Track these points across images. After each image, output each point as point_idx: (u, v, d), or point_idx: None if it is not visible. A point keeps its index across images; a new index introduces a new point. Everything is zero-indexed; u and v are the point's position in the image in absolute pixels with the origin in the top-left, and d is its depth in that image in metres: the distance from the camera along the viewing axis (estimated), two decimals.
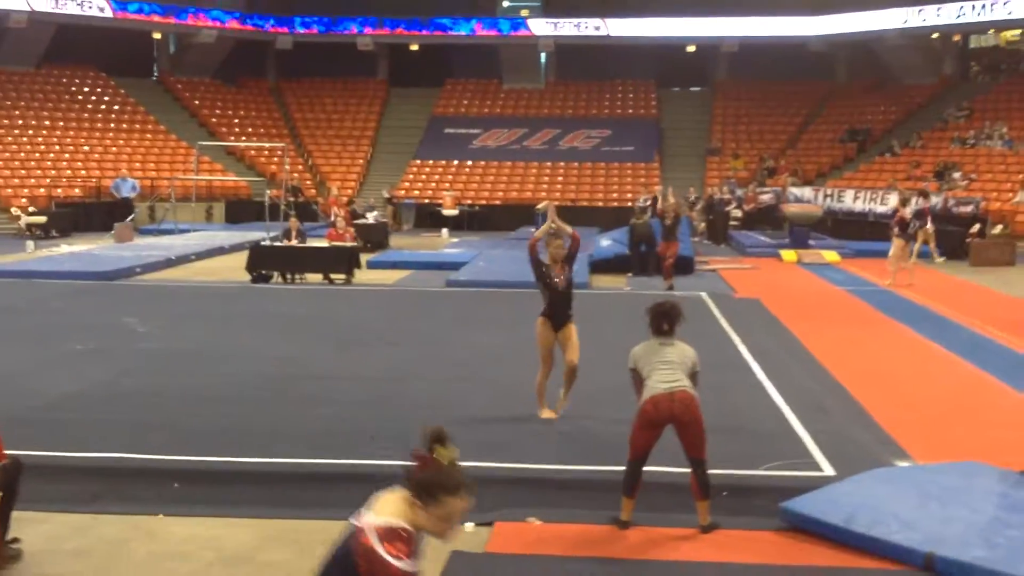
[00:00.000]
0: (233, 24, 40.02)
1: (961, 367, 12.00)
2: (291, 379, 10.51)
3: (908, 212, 20.95)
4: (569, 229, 9.08)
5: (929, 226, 23.17)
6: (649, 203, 25.44)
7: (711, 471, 6.62)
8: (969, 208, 27.36)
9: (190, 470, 7.48)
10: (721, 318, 14.90)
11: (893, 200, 28.75)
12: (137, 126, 37.61)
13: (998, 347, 13.15)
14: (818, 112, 40.48)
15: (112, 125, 37.13)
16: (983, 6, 34.91)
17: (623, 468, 6.67)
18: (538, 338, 8.98)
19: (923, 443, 8.49)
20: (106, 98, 38.40)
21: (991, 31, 39.16)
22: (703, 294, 17.47)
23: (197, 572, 6.00)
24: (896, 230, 20.07)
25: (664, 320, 6.74)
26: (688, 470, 6.65)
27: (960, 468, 7.52)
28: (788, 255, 24.58)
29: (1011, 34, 39.61)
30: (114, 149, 35.81)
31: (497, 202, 36.05)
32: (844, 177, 34.72)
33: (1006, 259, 24.06)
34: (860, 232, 29.06)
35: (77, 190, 32.41)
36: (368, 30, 40.93)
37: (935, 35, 37.52)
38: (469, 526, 6.73)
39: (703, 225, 30.73)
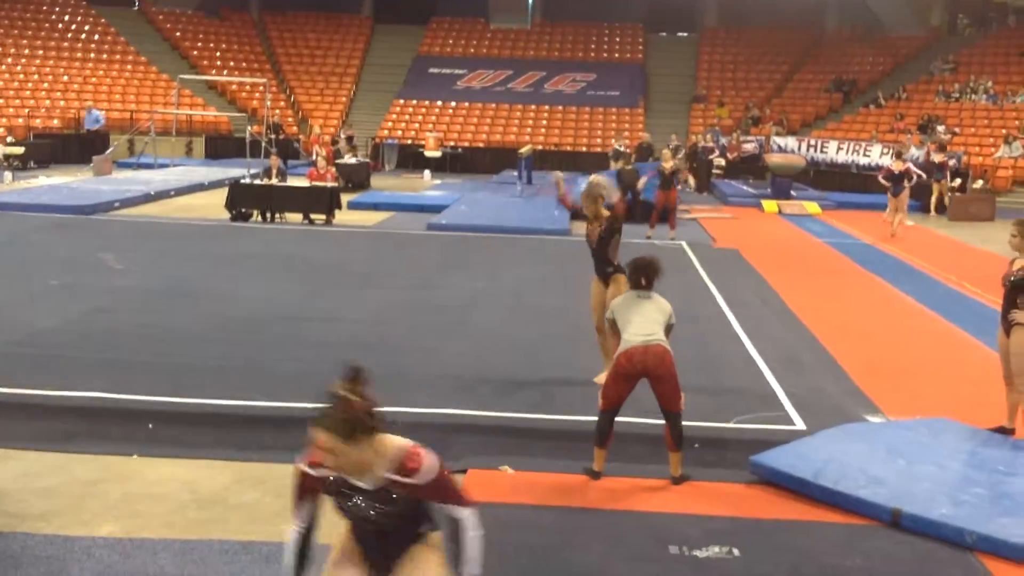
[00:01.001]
0: None
1: (936, 322, 12.10)
2: (268, 320, 10.50)
3: (906, 166, 20.87)
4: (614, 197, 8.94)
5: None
6: (629, 151, 25.42)
7: (684, 423, 6.68)
8: (952, 162, 27.43)
9: (165, 411, 7.49)
10: (700, 268, 14.95)
11: (876, 152, 28.85)
12: (117, 57, 37.09)
13: (973, 303, 13.25)
14: (805, 61, 40.26)
15: (92, 55, 36.61)
16: None
17: (596, 419, 6.72)
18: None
19: (894, 398, 8.57)
20: (86, 27, 37.81)
21: None
22: (683, 243, 17.51)
23: (170, 513, 6.02)
24: (891, 184, 20.17)
25: (642, 275, 6.82)
26: (662, 422, 6.71)
27: (929, 424, 7.61)
28: (769, 205, 24.61)
29: None
30: (94, 80, 35.35)
31: (480, 144, 35.87)
32: (828, 128, 34.66)
33: (986, 214, 24.17)
34: (842, 183, 29.13)
35: (56, 121, 32.02)
36: None
37: None
38: None
39: (686, 174, 30.64)
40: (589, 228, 8.72)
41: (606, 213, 8.61)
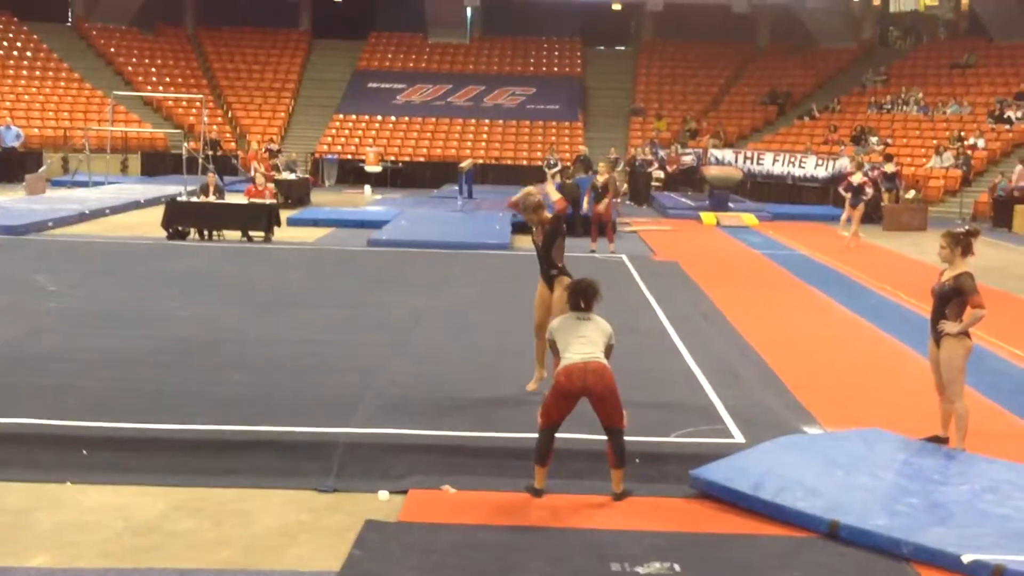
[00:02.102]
0: None
1: (871, 332, 12.29)
2: (205, 342, 10.36)
3: (865, 179, 21.38)
4: (554, 197, 8.98)
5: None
6: (558, 168, 25.66)
7: (624, 438, 6.71)
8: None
9: (99, 436, 7.33)
10: (640, 281, 15.04)
11: (810, 164, 29.37)
12: (51, 74, 36.51)
13: (908, 312, 13.47)
14: (740, 74, 40.80)
15: (24, 72, 36.00)
16: None
17: (536, 436, 6.72)
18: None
19: (831, 410, 8.69)
20: (18, 44, 37.18)
21: None
22: (623, 256, 17.62)
23: (104, 542, 5.91)
24: (849, 195, 20.66)
25: (580, 298, 6.89)
26: (603, 437, 6.73)
27: (864, 435, 7.72)
28: (708, 218, 24.87)
29: (929, 0, 40.19)
30: (26, 97, 34.75)
31: (421, 159, 35.82)
32: (764, 140, 35.13)
33: (918, 224, 24.63)
34: (779, 195, 29.53)
35: None
36: None
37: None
38: (383, 494, 6.74)
39: (625, 186, 30.88)
40: (535, 235, 8.80)
41: (548, 216, 8.68)
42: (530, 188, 8.94)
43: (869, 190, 21.21)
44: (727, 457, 7.10)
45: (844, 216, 21.34)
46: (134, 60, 38.95)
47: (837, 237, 21.26)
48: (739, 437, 7.69)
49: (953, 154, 29.20)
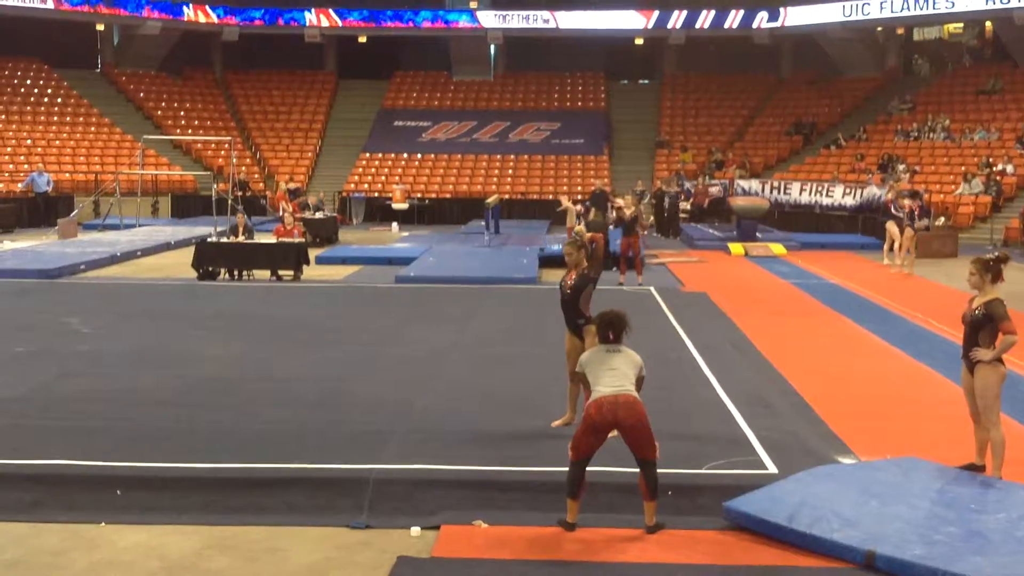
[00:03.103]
0: (178, 15, 39.48)
1: (903, 360, 12.18)
2: (236, 380, 10.41)
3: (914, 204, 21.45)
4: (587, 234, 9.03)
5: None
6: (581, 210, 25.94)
7: (657, 470, 6.67)
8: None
9: (133, 476, 7.38)
10: (669, 313, 14.99)
11: (838, 193, 29.34)
12: (81, 119, 37.08)
13: (939, 339, 13.35)
14: (764, 105, 40.83)
15: (55, 119, 36.59)
16: (926, 0, 35.37)
17: (567, 469, 6.70)
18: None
19: (865, 438, 8.61)
20: (49, 91, 37.83)
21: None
22: (651, 288, 17.57)
23: None
24: (907, 220, 20.81)
25: (609, 329, 6.87)
26: (635, 469, 6.70)
27: (899, 464, 7.64)
28: (736, 248, 24.81)
29: (953, 27, 40.16)
30: (57, 143, 35.29)
31: (447, 195, 35.99)
32: (790, 170, 35.06)
33: (948, 251, 24.45)
34: (806, 224, 29.43)
35: (21, 185, 31.81)
36: (316, 22, 40.54)
37: (879, 28, 37.96)
38: (415, 530, 6.73)
39: (651, 219, 30.89)
40: (566, 276, 8.78)
41: (584, 264, 8.68)
42: (581, 228, 9.01)
43: (916, 214, 21.27)
44: (761, 488, 7.04)
45: (887, 246, 21.33)
46: (163, 104, 39.50)
47: (876, 267, 21.19)
48: (772, 468, 7.63)
49: (982, 180, 29.03)
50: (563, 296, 8.76)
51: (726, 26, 39.49)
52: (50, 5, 36.36)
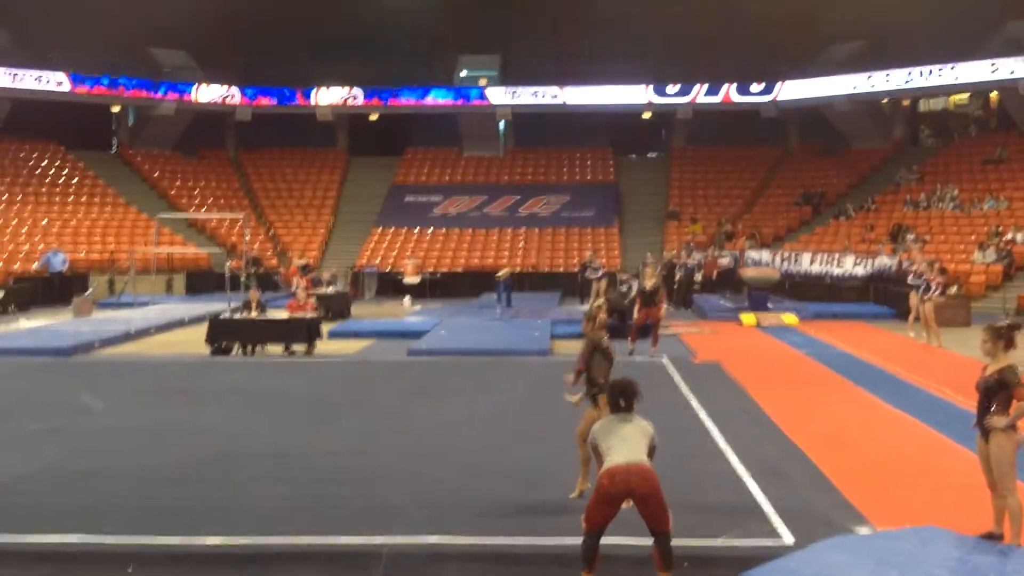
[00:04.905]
0: (192, 96, 40.17)
1: (918, 429, 12.10)
2: (249, 455, 10.41)
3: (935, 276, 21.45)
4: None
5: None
6: (601, 274, 26.31)
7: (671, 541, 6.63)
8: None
9: (147, 552, 7.37)
10: (681, 383, 14.97)
11: (849, 263, 29.39)
12: (96, 199, 37.55)
13: (954, 408, 13.27)
14: (772, 176, 41.16)
15: (71, 199, 37.07)
16: (931, 72, 35.78)
17: (581, 541, 6.66)
18: None
19: (881, 507, 8.53)
20: (64, 172, 38.38)
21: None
22: (664, 359, 17.56)
23: None
24: (934, 291, 20.84)
25: (621, 397, 6.89)
26: (649, 541, 6.66)
27: (917, 534, 7.57)
28: (748, 318, 24.79)
29: (959, 98, 40.58)
30: (73, 222, 35.67)
31: (459, 269, 36.17)
32: (800, 240, 35.20)
33: (961, 320, 24.37)
34: (817, 294, 29.44)
35: (36, 264, 32.10)
36: (327, 101, 41.15)
37: (885, 100, 38.35)
38: None
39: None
40: (585, 351, 8.96)
41: (602, 335, 8.83)
42: (600, 302, 9.20)
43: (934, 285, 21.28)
44: (777, 559, 6.99)
45: (912, 316, 21.34)
46: (178, 183, 40.01)
47: (888, 336, 21.11)
48: (788, 538, 7.57)
49: (995, 249, 29.07)
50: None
51: (736, 100, 40.00)
52: (66, 88, 37.04)
